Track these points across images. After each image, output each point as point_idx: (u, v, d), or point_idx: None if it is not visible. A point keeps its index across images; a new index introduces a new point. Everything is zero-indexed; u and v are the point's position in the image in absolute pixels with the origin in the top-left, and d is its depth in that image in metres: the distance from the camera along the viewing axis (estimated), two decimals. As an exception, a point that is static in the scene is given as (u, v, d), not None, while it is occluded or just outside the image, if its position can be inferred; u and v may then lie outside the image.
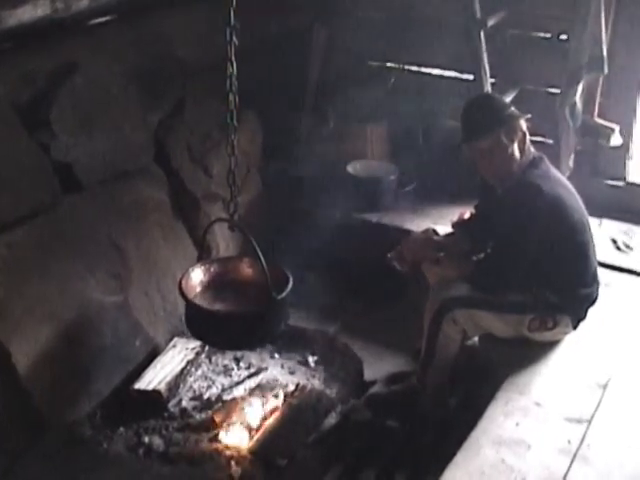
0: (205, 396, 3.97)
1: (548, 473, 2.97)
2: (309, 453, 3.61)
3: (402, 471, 3.50)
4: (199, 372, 4.13)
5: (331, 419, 3.82)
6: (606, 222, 4.74)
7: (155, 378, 3.89)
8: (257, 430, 3.73)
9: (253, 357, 4.27)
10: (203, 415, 3.85)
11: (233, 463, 3.54)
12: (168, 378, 3.91)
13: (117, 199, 4.16)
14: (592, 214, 3.74)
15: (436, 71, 5.32)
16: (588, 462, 3.01)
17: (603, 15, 4.36)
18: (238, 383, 4.07)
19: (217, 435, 3.69)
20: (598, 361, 3.59)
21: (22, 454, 3.47)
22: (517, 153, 3.49)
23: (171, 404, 3.89)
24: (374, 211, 4.93)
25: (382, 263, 3.95)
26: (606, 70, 4.49)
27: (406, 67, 5.37)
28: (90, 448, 3.63)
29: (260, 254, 3.15)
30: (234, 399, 3.92)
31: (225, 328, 3.33)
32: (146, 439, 3.69)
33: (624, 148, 4.82)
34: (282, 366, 4.24)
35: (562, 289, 3.55)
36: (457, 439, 3.16)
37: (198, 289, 3.55)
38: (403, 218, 4.85)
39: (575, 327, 3.65)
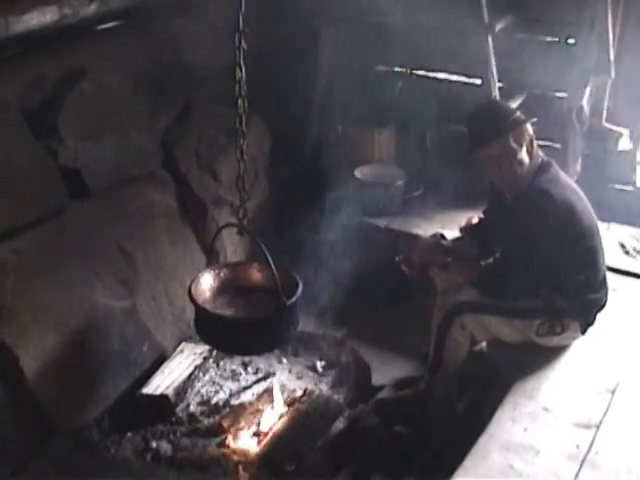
0: (213, 401, 3.97)
1: (556, 479, 2.96)
2: (317, 458, 3.60)
3: (410, 476, 3.49)
4: (207, 377, 4.12)
5: (339, 424, 3.82)
6: (614, 226, 4.72)
7: (163, 383, 3.89)
8: (265, 435, 3.72)
9: (261, 362, 4.26)
10: (211, 420, 3.84)
11: (241, 468, 3.53)
12: (176, 383, 3.90)
13: (125, 204, 4.16)
14: (600, 218, 3.73)
15: (443, 76, 5.32)
16: (597, 467, 3.00)
17: (610, 19, 4.36)
18: (246, 388, 4.07)
19: (225, 440, 3.69)
20: (607, 366, 3.58)
21: (29, 459, 3.46)
22: (526, 158, 3.48)
23: (179, 409, 3.89)
24: (382, 216, 4.93)
25: (390, 267, 3.95)
26: (613, 74, 4.48)
27: (413, 72, 5.37)
28: (97, 453, 3.63)
29: (270, 259, 3.14)
30: (242, 404, 3.92)
31: (235, 333, 3.31)
32: (154, 444, 3.69)
33: (633, 152, 4.80)
34: (290, 371, 4.23)
35: (571, 294, 3.54)
36: (465, 444, 3.15)
37: (208, 294, 3.53)
38: (411, 223, 4.84)
39: (584, 332, 3.64)
